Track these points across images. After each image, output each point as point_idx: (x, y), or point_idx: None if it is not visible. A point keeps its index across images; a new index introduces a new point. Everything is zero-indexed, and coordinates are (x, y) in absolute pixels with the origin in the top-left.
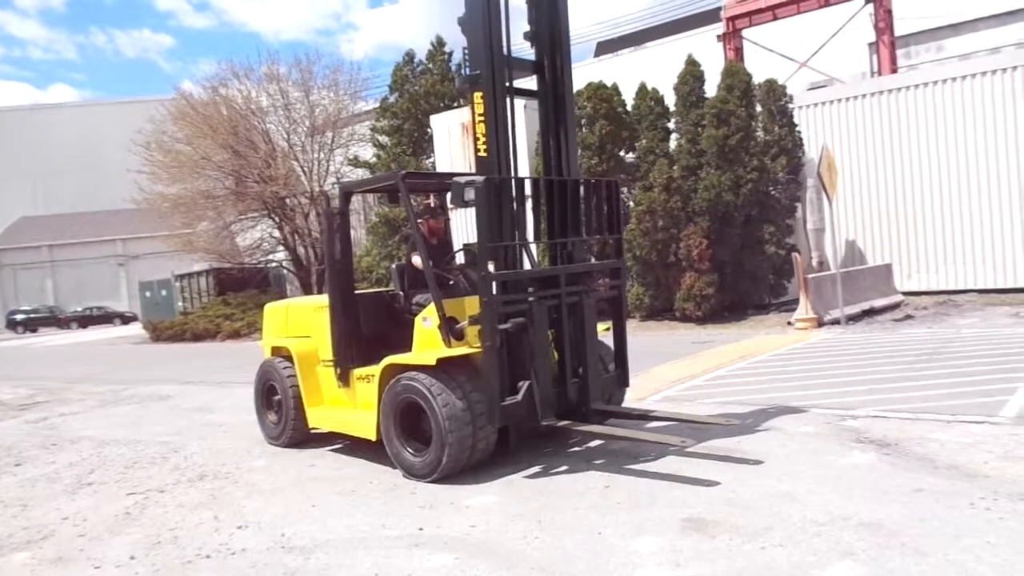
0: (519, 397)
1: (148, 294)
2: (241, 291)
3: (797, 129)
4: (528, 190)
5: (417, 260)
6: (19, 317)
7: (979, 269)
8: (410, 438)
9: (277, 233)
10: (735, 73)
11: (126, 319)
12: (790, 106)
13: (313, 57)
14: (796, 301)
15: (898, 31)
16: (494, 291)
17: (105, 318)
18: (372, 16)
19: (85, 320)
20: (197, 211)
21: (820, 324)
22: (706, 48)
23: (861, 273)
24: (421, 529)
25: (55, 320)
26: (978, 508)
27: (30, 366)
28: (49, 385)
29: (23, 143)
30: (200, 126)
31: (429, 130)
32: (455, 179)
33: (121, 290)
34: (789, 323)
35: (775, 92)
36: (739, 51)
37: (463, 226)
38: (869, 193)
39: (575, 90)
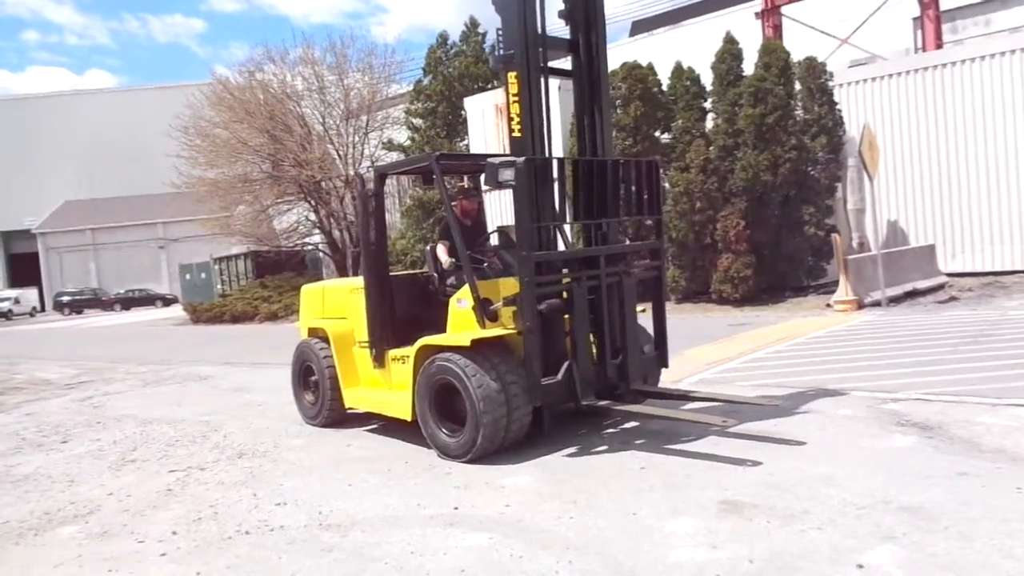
0: (559, 377)
1: (188, 276)
2: (278, 274)
3: (837, 107)
4: (567, 171)
5: (440, 251)
6: (65, 299)
7: None
8: (445, 419)
9: (313, 216)
10: (773, 51)
11: (167, 301)
12: (830, 84)
13: (347, 41)
14: (835, 283)
15: (944, 5)
16: (534, 272)
17: (147, 300)
18: None
19: (128, 302)
20: (235, 195)
21: (860, 306)
22: (744, 26)
23: (903, 254)
24: (456, 509)
25: (99, 302)
26: None
27: (76, 346)
28: (94, 365)
29: (65, 129)
30: (237, 110)
31: (463, 112)
32: (489, 160)
33: (162, 272)
34: (828, 305)
35: (815, 70)
36: (778, 28)
37: (497, 208)
38: (912, 172)
39: (610, 70)
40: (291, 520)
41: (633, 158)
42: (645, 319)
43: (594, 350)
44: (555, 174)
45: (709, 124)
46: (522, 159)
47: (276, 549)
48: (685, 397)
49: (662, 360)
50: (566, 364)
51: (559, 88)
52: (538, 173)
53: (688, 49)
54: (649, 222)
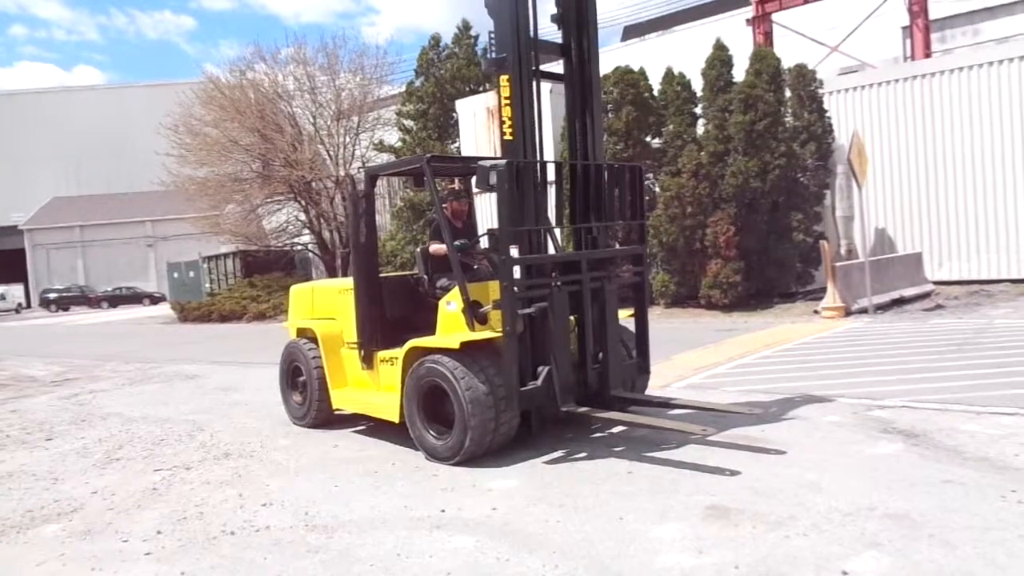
0: (539, 382)
1: (176, 275)
2: (267, 273)
3: (827, 115)
4: (552, 175)
5: (435, 247)
6: (52, 296)
7: (1012, 259)
8: (433, 421)
9: (303, 216)
10: (764, 57)
11: (154, 299)
12: (820, 91)
13: (339, 41)
14: (823, 290)
15: (933, 14)
16: (515, 275)
17: (134, 298)
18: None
19: (115, 300)
20: (224, 194)
21: (848, 313)
22: (735, 32)
23: (891, 262)
24: (443, 511)
25: (86, 299)
26: (1009, 501)
27: (62, 344)
28: (80, 363)
29: (55, 125)
30: (227, 109)
31: (455, 114)
32: (480, 163)
33: (150, 271)
34: (816, 312)
35: (805, 77)
36: (768, 35)
37: (489, 211)
38: (900, 180)
39: (602, 74)
40: (277, 521)
41: (617, 163)
42: (630, 324)
43: (576, 355)
44: (540, 177)
45: (700, 130)
46: (503, 162)
47: (261, 550)
48: (666, 404)
49: (643, 366)
50: (545, 370)
51: (551, 92)
52: (521, 176)
53: (679, 55)
54: (634, 226)
